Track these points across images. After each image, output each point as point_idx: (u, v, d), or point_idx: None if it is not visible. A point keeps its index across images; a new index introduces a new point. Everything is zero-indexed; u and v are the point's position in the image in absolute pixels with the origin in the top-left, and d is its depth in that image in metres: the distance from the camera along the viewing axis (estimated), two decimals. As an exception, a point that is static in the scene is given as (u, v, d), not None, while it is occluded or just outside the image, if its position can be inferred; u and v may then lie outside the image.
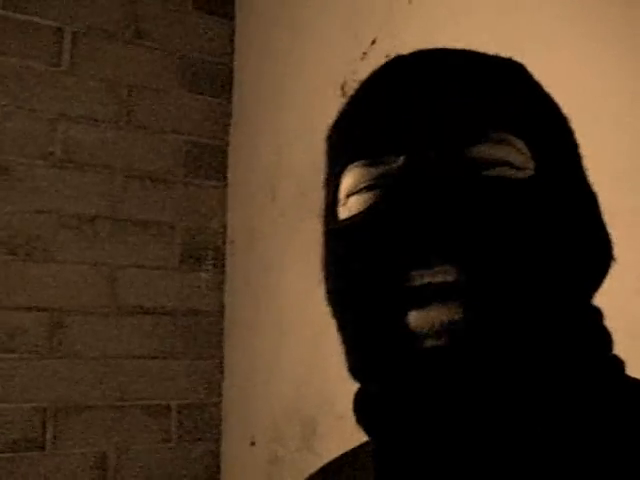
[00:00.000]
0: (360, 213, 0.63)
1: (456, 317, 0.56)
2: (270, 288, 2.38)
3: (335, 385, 1.98)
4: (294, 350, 2.21)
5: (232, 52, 2.75)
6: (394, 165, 0.61)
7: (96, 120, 2.48)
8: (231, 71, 2.74)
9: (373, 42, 1.95)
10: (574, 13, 1.33)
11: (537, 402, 0.58)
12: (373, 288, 0.61)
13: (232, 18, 2.77)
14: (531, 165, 0.61)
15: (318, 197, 2.23)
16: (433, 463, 0.60)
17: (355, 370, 0.65)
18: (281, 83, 2.41)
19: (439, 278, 0.57)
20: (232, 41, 2.76)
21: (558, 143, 0.66)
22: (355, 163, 0.64)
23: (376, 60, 1.95)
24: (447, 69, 0.65)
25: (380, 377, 0.62)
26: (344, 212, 0.66)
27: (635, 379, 0.65)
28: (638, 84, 1.20)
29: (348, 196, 0.65)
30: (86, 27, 2.50)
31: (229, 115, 2.72)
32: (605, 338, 0.65)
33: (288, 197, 2.31)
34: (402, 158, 0.61)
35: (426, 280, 0.57)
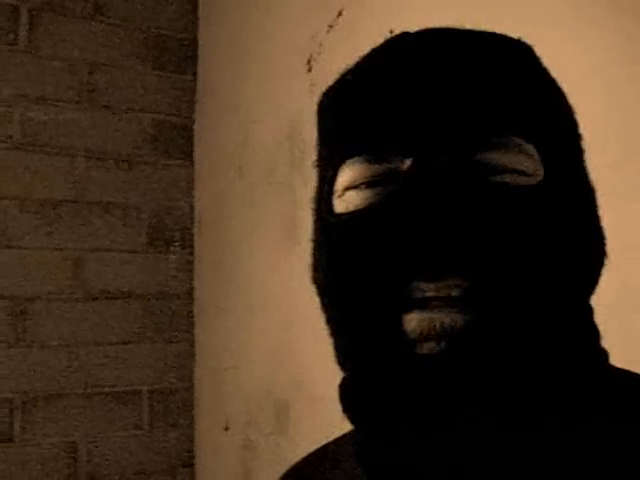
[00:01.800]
0: (361, 210, 0.61)
1: (457, 322, 0.56)
2: (240, 268, 2.35)
3: (308, 367, 1.96)
4: (266, 332, 2.19)
5: (196, 27, 2.69)
6: (401, 166, 0.59)
7: (56, 100, 2.42)
8: (195, 47, 2.69)
9: (339, 14, 1.90)
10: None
11: (532, 406, 0.58)
12: (371, 291, 0.59)
13: (195, -8, 2.71)
14: (540, 170, 0.60)
15: (286, 173, 2.18)
16: (423, 461, 0.59)
17: (344, 363, 0.64)
18: (246, 58, 2.37)
19: (443, 293, 0.56)
20: (196, 16, 2.70)
21: (565, 141, 0.65)
22: (357, 157, 0.62)
23: (343, 33, 1.92)
24: (458, 58, 0.61)
25: (375, 379, 0.61)
26: (340, 205, 0.64)
27: (618, 368, 0.65)
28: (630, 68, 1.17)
29: (346, 190, 0.63)
30: (43, 3, 2.43)
31: (194, 92, 2.67)
32: (593, 334, 0.65)
33: (256, 175, 2.28)
34: (410, 160, 0.59)
35: (429, 294, 0.56)
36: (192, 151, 2.65)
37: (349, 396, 0.64)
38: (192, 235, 2.63)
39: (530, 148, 0.60)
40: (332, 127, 0.66)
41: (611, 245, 1.10)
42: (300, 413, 2.01)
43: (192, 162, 2.64)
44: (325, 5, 1.96)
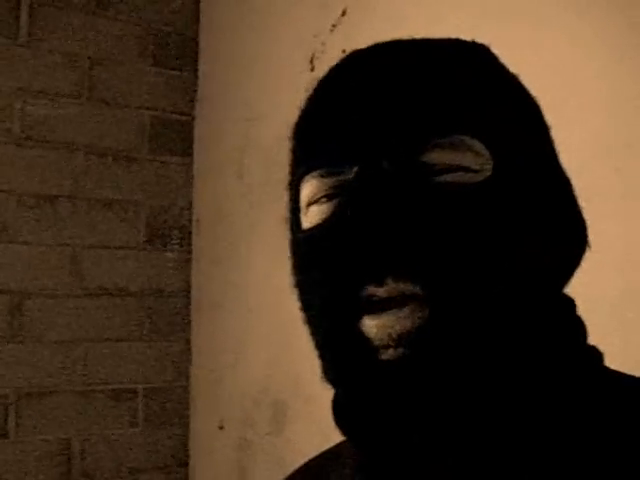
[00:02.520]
0: (319, 224, 0.63)
1: (413, 325, 0.56)
2: (237, 267, 2.34)
3: (305, 367, 1.94)
4: (263, 331, 2.19)
5: (197, 24, 2.68)
6: (349, 175, 0.61)
7: (56, 95, 2.41)
8: (196, 43, 2.67)
9: (343, 13, 1.90)
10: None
11: (504, 405, 0.58)
12: (328, 298, 0.61)
13: (197, -12, 2.69)
14: (489, 165, 0.60)
15: (286, 172, 2.18)
16: (405, 470, 0.60)
17: (324, 376, 0.65)
18: (248, 56, 2.36)
19: (393, 293, 0.57)
20: (197, 12, 2.68)
21: (523, 136, 0.64)
22: (312, 173, 0.64)
23: (346, 32, 1.91)
24: (402, 68, 0.62)
25: (343, 386, 0.63)
26: (306, 221, 0.66)
27: (613, 371, 0.64)
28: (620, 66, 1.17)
29: (309, 205, 0.65)
30: (44, -2, 2.41)
31: (195, 89, 2.65)
32: (577, 329, 0.64)
33: (255, 174, 2.27)
34: (355, 169, 0.60)
35: (380, 295, 0.57)
36: (191, 149, 2.63)
37: (335, 411, 0.66)
38: (190, 233, 2.61)
39: (476, 144, 0.59)
40: (294, 149, 0.69)
41: (614, 248, 1.10)
42: (296, 413, 2.00)
43: (191, 160, 2.63)
44: (329, 4, 1.95)
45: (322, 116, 0.64)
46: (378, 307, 0.57)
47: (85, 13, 2.48)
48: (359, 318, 0.58)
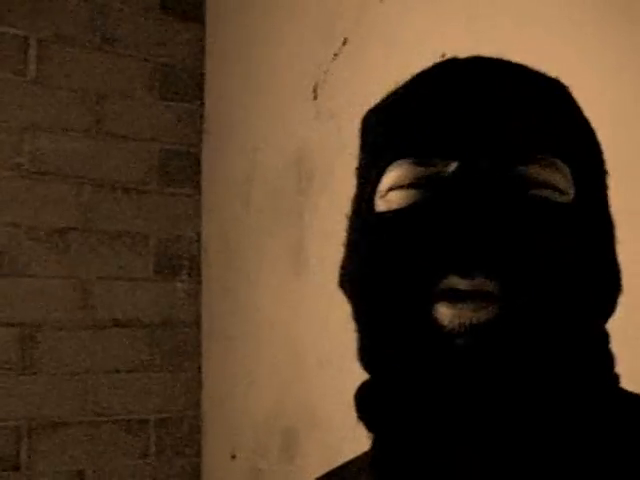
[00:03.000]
0: (403, 209, 0.63)
1: (486, 318, 0.58)
2: (247, 297, 2.35)
3: (316, 395, 1.95)
4: (273, 359, 2.19)
5: (203, 57, 2.71)
6: (445, 170, 0.62)
7: (65, 129, 2.44)
8: (202, 76, 2.70)
9: (344, 42, 1.92)
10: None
11: (542, 411, 0.59)
12: (405, 284, 0.61)
13: (202, 22, 2.73)
14: (572, 191, 0.63)
15: (293, 201, 2.19)
16: (441, 463, 0.61)
17: (369, 359, 0.66)
18: (253, 87, 2.38)
19: (477, 287, 0.58)
20: (202, 46, 2.71)
21: (594, 173, 0.68)
22: (403, 159, 0.64)
23: (347, 61, 1.93)
24: (503, 81, 0.65)
25: (402, 369, 0.62)
26: (382, 204, 0.66)
27: (627, 391, 0.67)
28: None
29: (390, 190, 0.65)
30: (52, 34, 2.45)
31: (201, 121, 2.68)
32: (609, 359, 0.67)
33: (262, 203, 2.28)
34: (455, 163, 0.61)
35: (463, 287, 0.59)
36: (199, 180, 2.65)
37: (368, 400, 0.66)
38: (199, 263, 2.62)
39: (565, 168, 0.63)
40: (379, 135, 0.69)
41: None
42: (308, 441, 2.00)
43: (199, 191, 2.65)
44: (330, 34, 1.98)
45: (421, 107, 0.65)
46: (457, 297, 0.58)
47: (92, 49, 2.51)
48: (434, 303, 0.59)
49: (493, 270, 0.58)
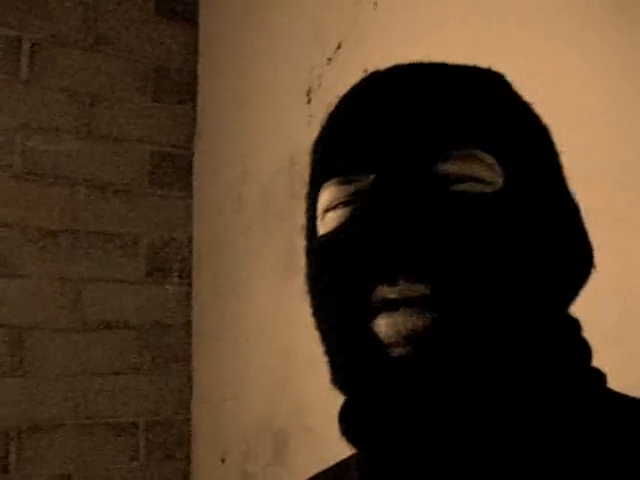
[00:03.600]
0: (335, 229, 0.65)
1: (422, 324, 0.57)
2: (238, 300, 2.34)
3: (306, 398, 1.94)
4: (264, 363, 2.18)
5: (195, 59, 2.71)
6: (366, 183, 0.63)
7: (56, 130, 2.43)
8: (195, 78, 2.70)
9: (338, 47, 1.92)
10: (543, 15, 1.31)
11: (507, 413, 0.58)
12: (342, 300, 0.62)
13: (195, 24, 2.72)
14: (499, 180, 0.62)
15: (284, 205, 2.19)
16: (411, 473, 0.61)
17: (333, 381, 0.66)
18: (245, 90, 2.37)
19: (405, 294, 0.58)
20: (195, 47, 2.71)
21: (533, 156, 0.66)
22: (331, 181, 0.66)
23: (342, 65, 1.93)
24: (420, 85, 0.65)
25: (353, 387, 0.63)
26: (322, 228, 0.68)
27: (616, 392, 0.65)
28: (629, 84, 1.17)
29: (325, 212, 0.67)
30: (45, 35, 2.44)
31: (193, 123, 2.67)
32: (583, 349, 0.65)
33: (255, 206, 2.28)
34: (372, 176, 0.62)
35: (392, 296, 0.58)
36: (191, 182, 2.65)
37: (343, 417, 0.66)
38: (190, 266, 2.62)
39: (488, 157, 0.62)
40: (314, 161, 0.71)
41: (613, 270, 1.10)
42: (299, 444, 1.99)
43: (191, 193, 2.65)
44: (324, 38, 1.97)
45: (342, 129, 0.67)
46: (390, 307, 0.58)
47: (84, 50, 2.51)
48: (372, 319, 0.59)
49: (418, 273, 0.58)
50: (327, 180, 0.66)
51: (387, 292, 0.58)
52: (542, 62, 1.30)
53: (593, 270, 0.67)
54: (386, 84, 0.67)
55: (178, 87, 2.67)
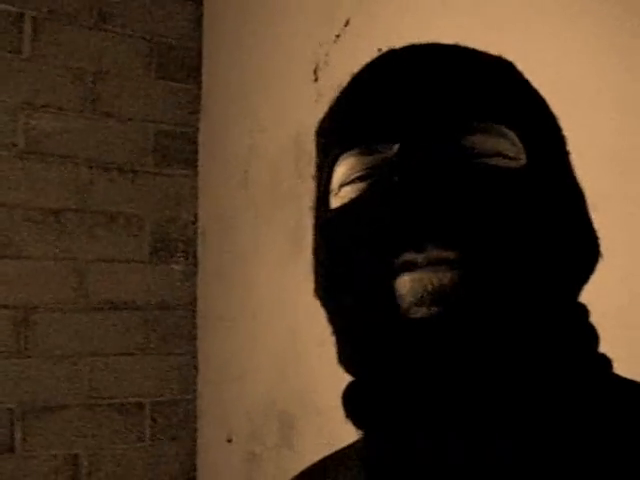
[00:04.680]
0: (354, 199, 0.63)
1: (450, 280, 0.56)
2: (244, 280, 2.33)
3: (313, 379, 1.94)
4: (270, 343, 2.17)
5: (200, 36, 2.68)
6: (389, 153, 0.61)
7: (60, 109, 2.41)
8: (200, 56, 2.67)
9: (346, 24, 1.89)
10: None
11: (524, 392, 0.57)
12: (364, 267, 0.61)
13: (200, 1, 2.69)
14: (523, 157, 0.62)
15: (291, 184, 2.17)
16: (424, 453, 0.59)
17: (346, 359, 0.65)
18: (252, 67, 2.35)
19: (432, 259, 0.57)
20: (200, 25, 2.68)
21: (548, 138, 0.66)
22: (349, 152, 0.64)
23: (350, 43, 1.90)
24: (440, 62, 0.65)
25: (372, 359, 0.61)
26: (336, 202, 0.66)
27: (622, 378, 0.65)
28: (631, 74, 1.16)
29: (341, 186, 0.65)
30: (48, 12, 2.41)
31: (198, 101, 2.65)
32: (590, 335, 0.64)
33: (261, 185, 2.26)
34: (397, 146, 0.61)
35: (419, 261, 0.57)
36: (196, 161, 2.63)
37: (351, 399, 0.64)
38: (195, 246, 2.61)
39: (512, 134, 0.62)
40: (327, 136, 0.69)
41: (621, 256, 1.09)
42: (305, 425, 1.99)
43: (196, 172, 2.63)
44: (332, 15, 1.95)
45: (359, 100, 0.65)
46: (415, 267, 0.57)
47: (88, 27, 2.48)
48: (393, 278, 0.58)
49: (447, 240, 0.57)
50: (346, 151, 0.64)
51: (413, 258, 0.57)
52: (548, 46, 1.29)
53: (600, 259, 0.67)
54: (407, 59, 0.66)
55: (183, 65, 2.64)
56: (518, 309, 0.58)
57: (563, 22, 1.29)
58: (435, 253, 0.57)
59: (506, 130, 0.62)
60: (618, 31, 1.19)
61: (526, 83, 0.69)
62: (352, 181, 0.64)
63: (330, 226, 0.65)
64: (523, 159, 0.62)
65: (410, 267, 0.57)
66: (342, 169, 0.65)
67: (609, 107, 1.19)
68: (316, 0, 2.04)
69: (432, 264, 0.57)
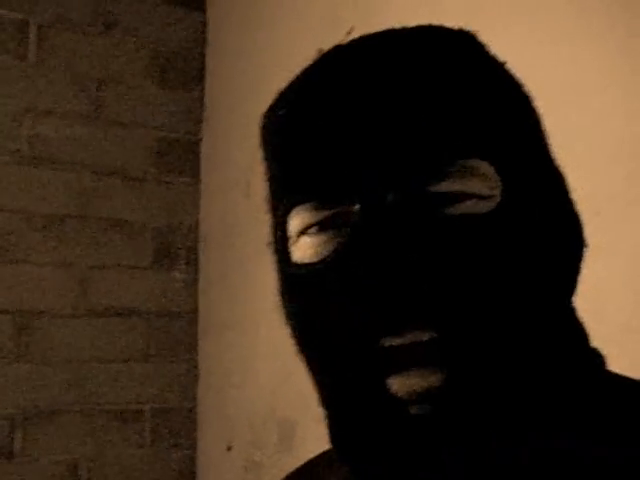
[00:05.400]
0: (315, 265, 0.58)
1: (435, 382, 0.54)
2: (245, 287, 2.33)
3: (313, 386, 1.93)
4: (271, 351, 2.17)
5: (204, 44, 2.69)
6: (349, 210, 0.56)
7: (64, 115, 2.41)
8: (203, 64, 2.68)
9: (349, 31, 1.90)
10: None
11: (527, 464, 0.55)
12: (342, 350, 0.57)
13: (204, 9, 2.70)
14: (497, 189, 0.56)
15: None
16: None
17: (331, 411, 0.63)
18: (254, 75, 2.36)
19: (412, 340, 0.54)
20: (204, 33, 2.69)
21: (522, 140, 0.60)
22: (304, 205, 0.59)
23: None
24: (394, 71, 0.57)
25: (366, 444, 0.59)
26: (297, 252, 0.61)
27: (615, 374, 0.63)
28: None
29: (299, 236, 0.60)
30: (53, 19, 2.42)
31: (201, 109, 2.66)
32: (580, 331, 0.62)
33: (262, 192, 2.26)
34: (357, 206, 0.55)
35: (399, 343, 0.54)
36: (199, 168, 2.63)
37: (340, 443, 0.63)
38: (197, 253, 2.61)
39: (485, 166, 0.56)
40: (275, 170, 0.63)
41: (626, 257, 1.09)
42: (305, 433, 1.98)
43: (198, 179, 2.63)
44: (335, 23, 1.96)
45: (307, 134, 0.59)
46: (400, 363, 0.54)
47: (93, 34, 2.49)
48: (383, 375, 0.55)
49: (423, 320, 0.53)
50: (297, 204, 0.59)
51: (392, 342, 0.54)
52: (554, 46, 1.29)
53: (586, 248, 0.63)
54: (352, 72, 0.58)
55: (186, 72, 2.65)
56: (512, 386, 0.55)
57: (569, 21, 1.29)
58: (412, 335, 0.53)
59: (479, 163, 0.56)
60: (626, 32, 1.19)
61: (490, 66, 0.62)
62: (310, 232, 0.59)
63: (295, 287, 0.62)
64: (497, 194, 0.56)
65: (395, 364, 0.54)
66: (297, 220, 0.60)
67: (615, 111, 1.19)
68: (319, 8, 2.04)
69: (415, 361, 0.54)
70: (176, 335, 2.53)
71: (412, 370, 0.54)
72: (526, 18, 1.37)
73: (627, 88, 1.18)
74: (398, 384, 0.54)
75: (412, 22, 1.68)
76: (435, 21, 1.58)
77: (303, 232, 0.60)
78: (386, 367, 0.55)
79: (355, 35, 1.78)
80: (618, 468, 0.54)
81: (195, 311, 2.58)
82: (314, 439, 1.92)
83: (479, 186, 0.56)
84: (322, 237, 0.58)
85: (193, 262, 2.59)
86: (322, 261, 0.58)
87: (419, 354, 0.54)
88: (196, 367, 2.56)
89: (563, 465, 0.55)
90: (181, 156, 2.60)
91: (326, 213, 0.58)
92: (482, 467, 0.55)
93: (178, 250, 2.57)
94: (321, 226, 0.58)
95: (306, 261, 0.60)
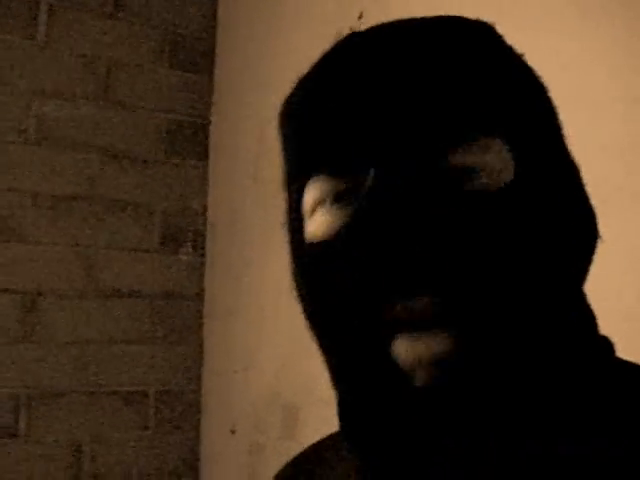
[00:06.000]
0: (330, 237, 0.59)
1: (443, 348, 0.53)
2: (251, 271, 2.33)
3: (318, 371, 1.93)
4: (275, 335, 2.17)
5: (214, 28, 2.68)
6: (364, 178, 0.56)
7: (72, 96, 2.41)
8: (213, 47, 2.67)
9: (360, 16, 1.89)
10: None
11: (535, 436, 0.56)
12: (353, 318, 0.57)
13: (214, -8, 2.69)
14: (511, 166, 0.57)
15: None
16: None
17: (340, 388, 0.63)
18: (264, 59, 2.35)
19: (421, 308, 0.53)
20: (215, 16, 2.68)
21: (537, 125, 0.61)
22: (319, 174, 0.59)
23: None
24: (412, 56, 0.58)
25: (371, 413, 0.59)
26: (311, 227, 0.61)
27: (625, 361, 0.62)
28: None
29: (313, 210, 0.61)
30: None
31: (210, 92, 2.65)
32: (589, 318, 0.62)
33: (271, 177, 2.26)
34: (372, 171, 0.55)
35: (406, 313, 0.54)
36: (207, 152, 2.63)
37: (347, 423, 0.63)
38: (204, 236, 2.61)
39: (498, 143, 0.57)
40: (292, 145, 0.64)
41: (631, 248, 1.09)
42: (309, 417, 1.99)
43: (207, 163, 2.63)
44: (346, 7, 1.95)
45: (326, 107, 0.59)
46: (408, 328, 0.54)
47: (103, 15, 2.48)
48: (389, 341, 0.55)
49: (434, 286, 0.53)
50: (314, 173, 0.59)
51: (404, 308, 0.54)
52: (560, 44, 1.28)
53: (599, 240, 0.63)
54: (374, 55, 0.59)
55: (196, 55, 2.64)
56: (520, 355, 0.55)
57: (570, 21, 1.29)
58: (422, 301, 0.53)
59: (492, 140, 0.57)
60: (629, 32, 1.19)
61: (510, 57, 0.63)
62: (325, 204, 0.59)
63: (309, 262, 0.61)
64: (510, 170, 0.57)
65: (402, 326, 0.54)
66: (312, 192, 0.60)
67: (618, 106, 1.19)
68: (330, -8, 2.04)
69: (423, 324, 0.54)
70: (181, 318, 2.53)
71: (421, 334, 0.54)
72: (526, 18, 1.37)
73: (630, 85, 1.18)
74: (405, 348, 0.54)
75: (419, 8, 1.68)
76: (438, 11, 1.57)
77: (317, 207, 0.60)
78: (394, 328, 0.54)
79: (365, 20, 1.77)
80: (625, 452, 0.54)
81: (201, 294, 2.58)
82: (317, 423, 1.93)
83: (492, 160, 0.56)
84: (335, 210, 0.59)
85: (200, 245, 2.59)
86: (337, 232, 0.58)
87: (428, 316, 0.53)
88: (201, 350, 2.56)
89: (569, 462, 0.55)
90: (190, 139, 2.60)
91: (341, 182, 0.58)
92: (484, 458, 0.55)
93: (185, 233, 2.57)
94: (336, 198, 0.58)
95: (319, 236, 0.60)
